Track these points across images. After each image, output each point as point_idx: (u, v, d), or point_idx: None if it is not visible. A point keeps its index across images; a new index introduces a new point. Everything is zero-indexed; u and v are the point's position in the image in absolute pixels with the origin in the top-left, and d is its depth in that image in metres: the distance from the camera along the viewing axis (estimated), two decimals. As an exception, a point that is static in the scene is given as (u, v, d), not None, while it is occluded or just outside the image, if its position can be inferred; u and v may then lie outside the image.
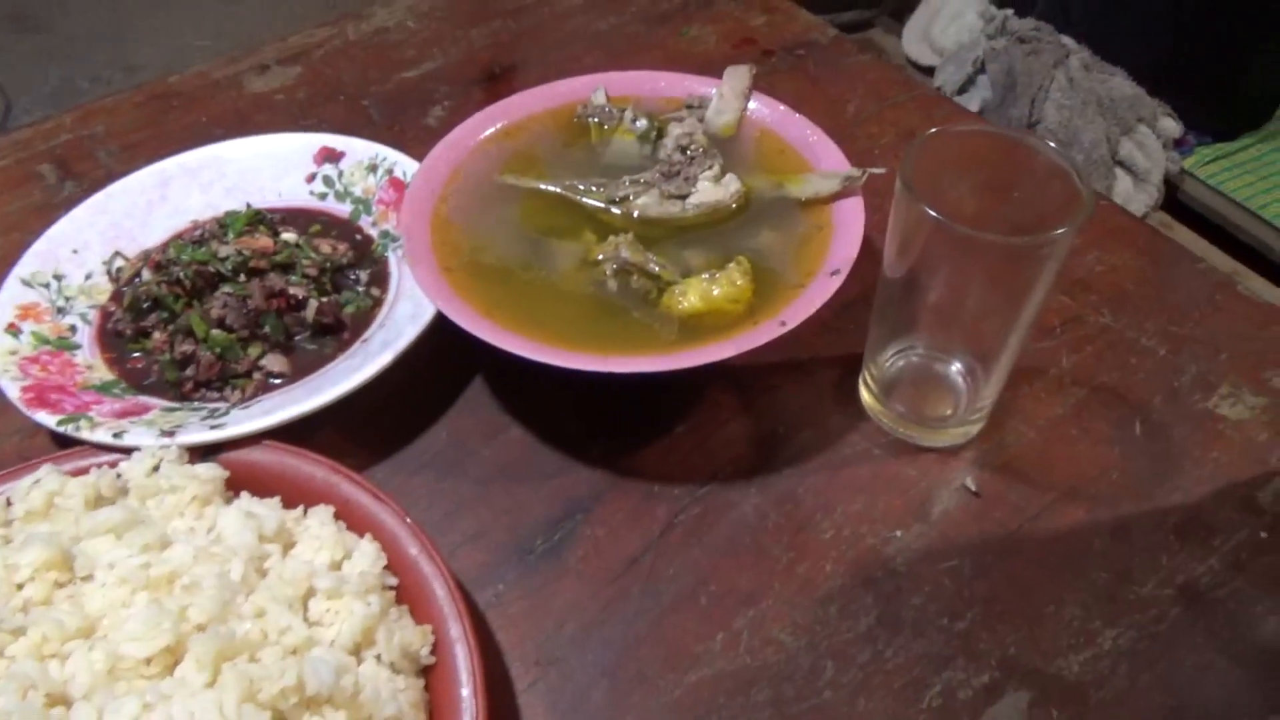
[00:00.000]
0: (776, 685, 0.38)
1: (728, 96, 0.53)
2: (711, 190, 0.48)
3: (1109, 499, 0.43)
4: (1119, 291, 0.52)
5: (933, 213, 0.37)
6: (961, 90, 1.24)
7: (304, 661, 0.31)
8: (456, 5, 0.76)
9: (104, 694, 0.29)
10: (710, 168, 0.49)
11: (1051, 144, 0.39)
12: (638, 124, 0.53)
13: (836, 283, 0.43)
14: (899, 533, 0.42)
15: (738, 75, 0.54)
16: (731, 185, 0.49)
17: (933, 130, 0.39)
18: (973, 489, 0.44)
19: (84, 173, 0.62)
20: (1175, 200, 1.22)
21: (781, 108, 0.53)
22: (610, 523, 0.43)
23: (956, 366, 0.46)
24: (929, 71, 1.35)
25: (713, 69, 0.56)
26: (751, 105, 0.54)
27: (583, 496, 0.44)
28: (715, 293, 0.44)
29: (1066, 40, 1.19)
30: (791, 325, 0.42)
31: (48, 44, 2.17)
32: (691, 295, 0.44)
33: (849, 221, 0.46)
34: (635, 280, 0.45)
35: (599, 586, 0.41)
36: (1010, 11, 1.29)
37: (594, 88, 0.55)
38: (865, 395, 0.47)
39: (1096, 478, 0.44)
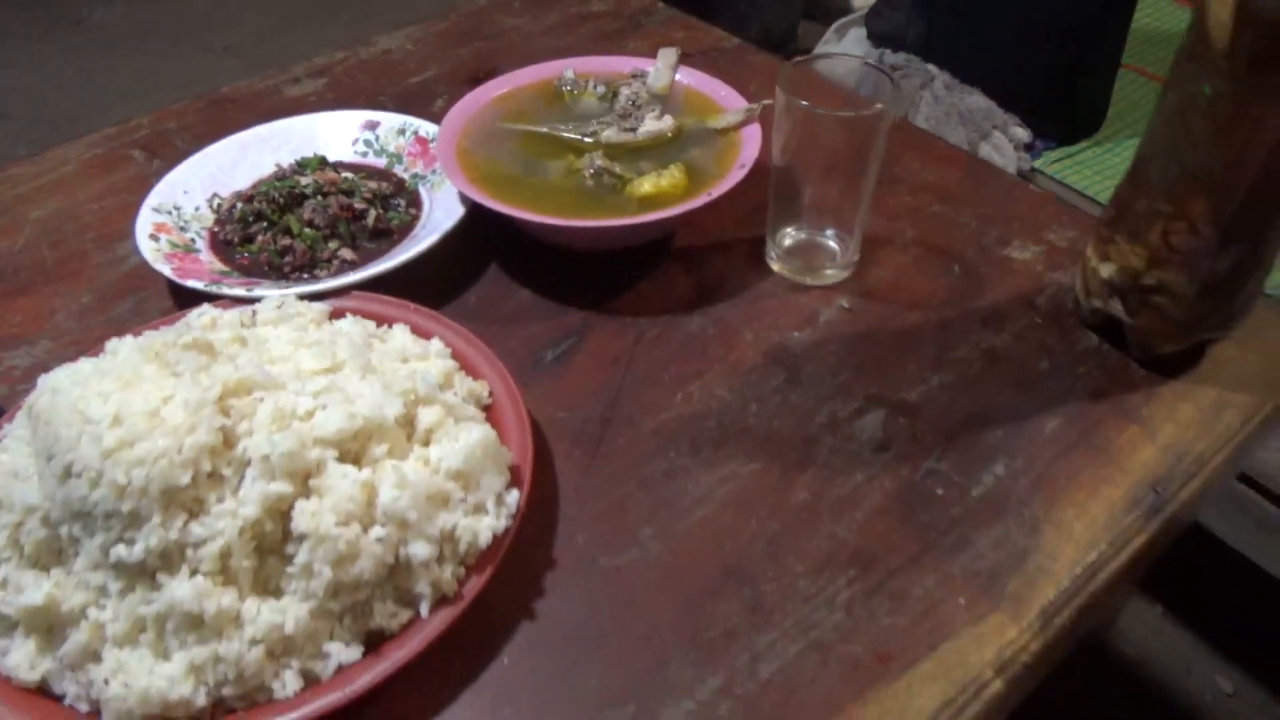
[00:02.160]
0: (718, 417, 0.56)
1: (662, 68, 0.74)
2: (654, 124, 0.69)
3: (938, 308, 0.64)
4: (946, 192, 0.74)
5: (802, 102, 0.58)
6: (851, 113, 1.49)
7: (416, 374, 0.49)
8: (445, 33, 0.96)
9: (301, 380, 0.46)
10: (653, 111, 0.70)
11: (872, 62, 0.61)
12: (598, 89, 0.73)
13: (744, 172, 0.63)
14: (796, 334, 0.62)
15: (669, 53, 0.75)
16: (668, 121, 0.69)
17: (799, 58, 0.60)
18: (846, 306, 0.64)
19: (167, 155, 0.79)
20: (1031, 194, 1.47)
21: (701, 74, 0.74)
22: (598, 339, 0.62)
23: (830, 232, 0.66)
24: (825, 101, 1.60)
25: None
26: (679, 75, 0.75)
27: (576, 326, 0.63)
28: (662, 182, 0.64)
29: (931, 67, 1.45)
30: (715, 195, 0.61)
31: (13, 129, 2.33)
32: (645, 184, 0.64)
33: (751, 137, 0.67)
34: (606, 179, 0.65)
35: (593, 375, 0.59)
36: (888, 50, 1.55)
37: (565, 68, 0.75)
38: (770, 259, 0.67)
39: (929, 296, 0.64)
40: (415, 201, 0.70)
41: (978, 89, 1.44)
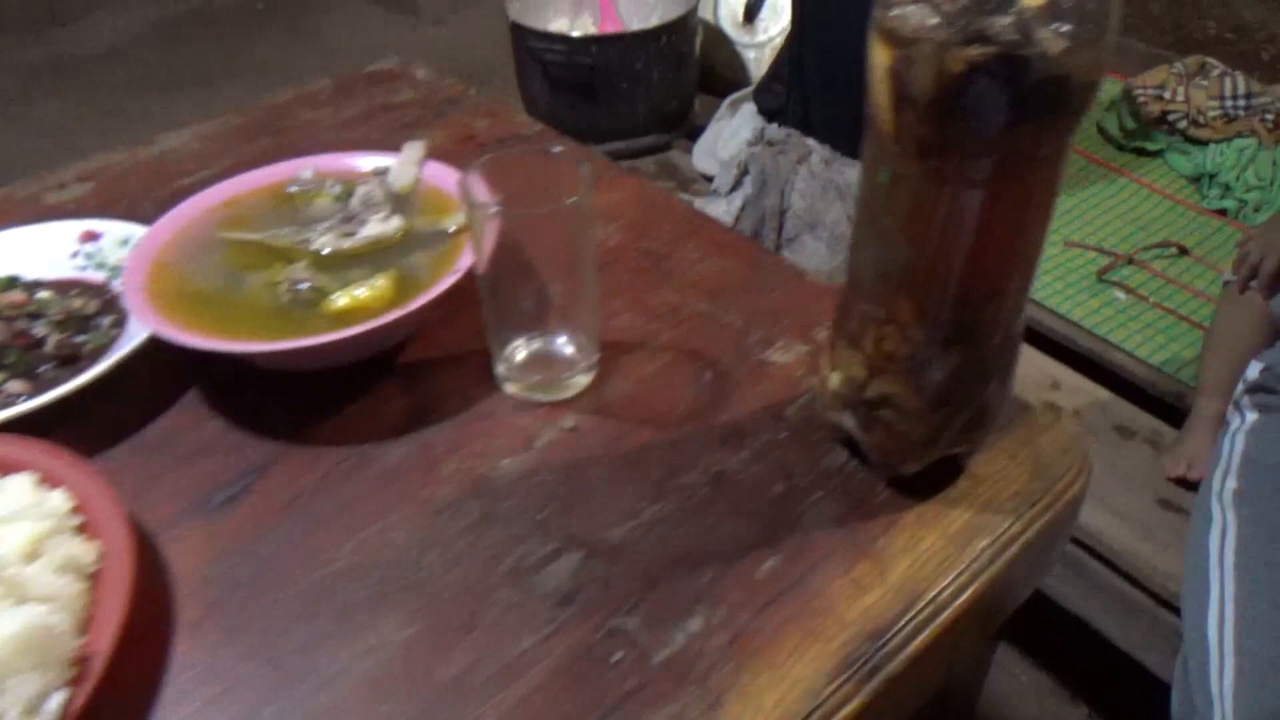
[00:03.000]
0: (387, 569, 0.48)
1: (405, 164, 0.68)
2: (377, 228, 0.62)
3: (675, 424, 0.56)
4: (717, 287, 0.67)
5: (493, 206, 0.51)
6: (734, 189, 1.44)
7: (-31, 547, 0.41)
8: (236, 129, 0.91)
9: None
10: (380, 213, 0.63)
11: (559, 148, 0.54)
12: (334, 189, 0.67)
13: (454, 278, 0.57)
14: (507, 460, 0.54)
15: (414, 148, 0.69)
16: (394, 223, 0.63)
17: (486, 155, 0.54)
18: (571, 426, 0.56)
19: (-112, 274, 0.73)
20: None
21: (445, 168, 0.68)
22: (283, 474, 0.54)
23: (563, 340, 0.59)
24: (712, 179, 1.56)
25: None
26: (426, 170, 0.68)
27: (263, 459, 0.55)
28: (362, 295, 0.57)
29: (811, 142, 1.40)
30: (410, 309, 0.54)
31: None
32: (342, 298, 0.57)
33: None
34: (304, 293, 0.58)
35: (263, 520, 0.51)
36: (775, 125, 1.51)
37: (303, 168, 0.69)
38: (498, 375, 0.59)
39: (669, 410, 0.57)
40: (122, 321, 0.63)
41: (859, 162, 1.39)
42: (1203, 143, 1.60)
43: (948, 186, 0.41)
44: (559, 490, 0.52)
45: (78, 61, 3.05)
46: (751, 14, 1.85)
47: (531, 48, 1.58)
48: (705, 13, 1.95)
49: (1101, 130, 1.71)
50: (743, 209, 1.37)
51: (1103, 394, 1.15)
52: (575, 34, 1.66)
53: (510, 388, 0.58)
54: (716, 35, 1.93)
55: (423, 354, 0.62)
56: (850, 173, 1.36)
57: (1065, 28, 0.37)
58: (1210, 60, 1.73)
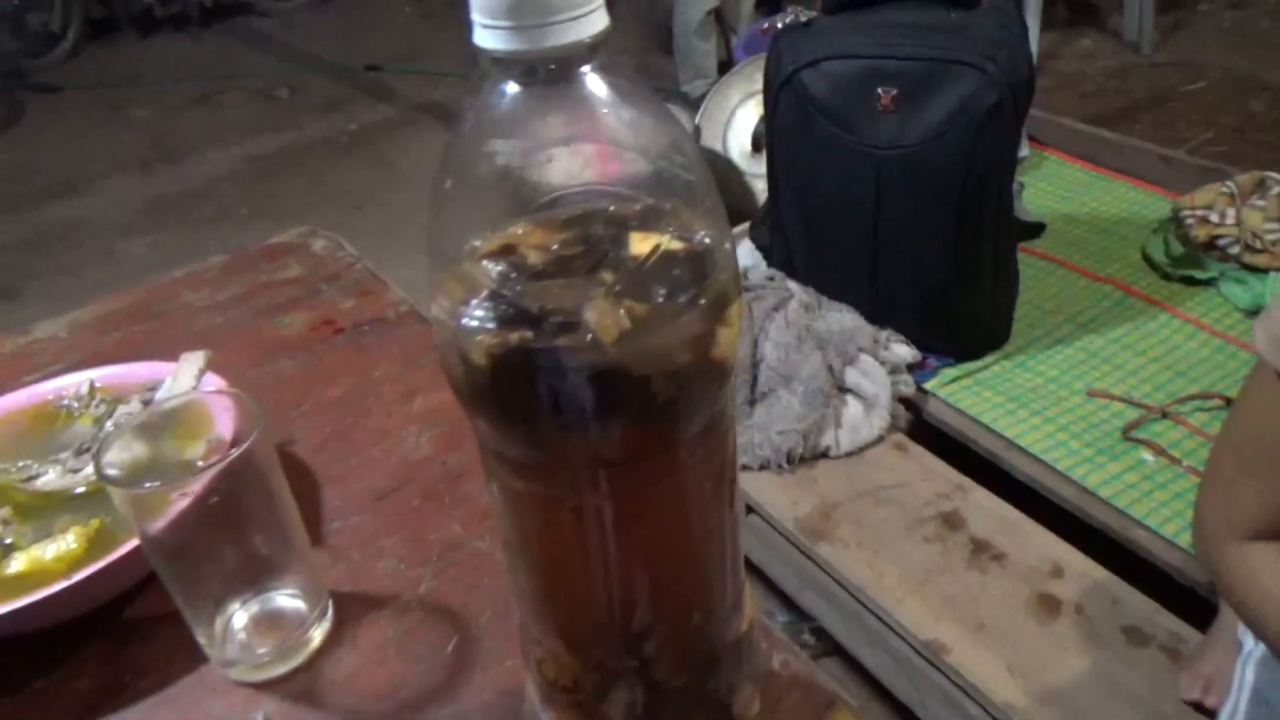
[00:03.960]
0: None
1: (181, 378, 0.61)
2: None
3: (387, 714, 0.45)
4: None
5: (142, 485, 0.43)
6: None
7: None
8: (107, 315, 0.87)
9: None
10: (121, 440, 0.56)
11: (215, 388, 0.46)
12: (99, 409, 0.61)
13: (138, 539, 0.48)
14: (168, 769, 0.44)
15: (192, 359, 0.62)
16: (129, 454, 0.55)
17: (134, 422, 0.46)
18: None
19: None
20: (921, 420, 1.26)
21: (219, 384, 0.60)
22: (-82, 781, 0.46)
23: (290, 594, 0.49)
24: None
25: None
26: (204, 382, 0.61)
27: (-90, 757, 0.47)
28: (47, 555, 0.49)
29: (792, 285, 1.30)
30: (75, 579, 0.46)
31: None
32: (20, 559, 0.49)
33: (201, 479, 0.52)
34: (-10, 547, 0.51)
35: None
36: (763, 265, 1.41)
37: (79, 384, 0.63)
38: (202, 647, 0.50)
39: (388, 696, 0.46)
40: None
41: (848, 306, 1.27)
42: (1261, 270, 1.41)
43: (549, 500, 0.30)
44: (210, 818, 0.42)
45: (176, 198, 3.20)
46: (760, 144, 1.77)
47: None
48: (715, 143, 1.90)
49: (1147, 257, 1.54)
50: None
51: (1115, 584, 0.96)
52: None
53: (214, 659, 0.49)
54: (726, 166, 1.86)
55: (147, 609, 0.53)
56: (835, 317, 1.24)
57: (658, 296, 0.27)
58: (1272, 175, 1.54)
